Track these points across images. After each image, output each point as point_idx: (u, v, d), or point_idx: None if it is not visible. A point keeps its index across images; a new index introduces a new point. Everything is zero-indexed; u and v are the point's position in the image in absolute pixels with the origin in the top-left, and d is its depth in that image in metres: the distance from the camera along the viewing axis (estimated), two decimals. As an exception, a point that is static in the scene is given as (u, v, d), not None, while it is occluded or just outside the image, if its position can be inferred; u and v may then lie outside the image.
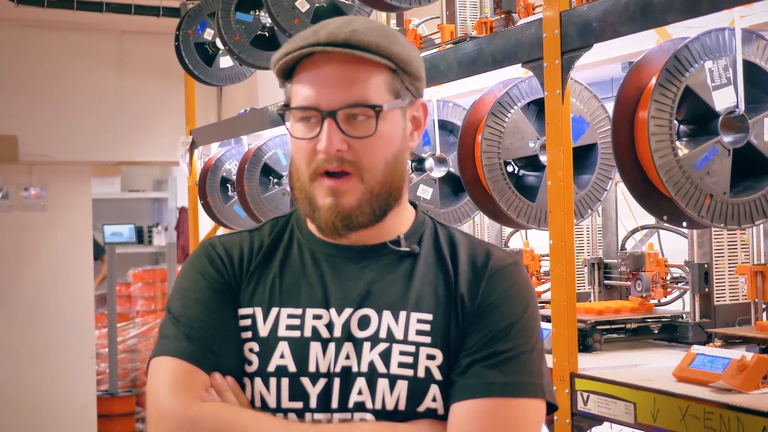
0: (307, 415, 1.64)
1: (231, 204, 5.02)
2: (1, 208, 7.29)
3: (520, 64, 2.68)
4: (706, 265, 2.77)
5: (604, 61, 3.03)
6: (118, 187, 11.48)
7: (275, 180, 4.61)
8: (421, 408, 1.64)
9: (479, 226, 3.91)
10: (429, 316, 1.67)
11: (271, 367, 1.66)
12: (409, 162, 3.44)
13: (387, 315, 1.67)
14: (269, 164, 4.59)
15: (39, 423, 7.27)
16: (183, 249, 9.94)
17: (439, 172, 3.46)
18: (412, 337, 1.65)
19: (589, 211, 3.02)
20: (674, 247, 3.19)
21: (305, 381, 1.65)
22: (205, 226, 5.74)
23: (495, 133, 2.96)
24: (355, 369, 1.64)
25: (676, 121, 2.34)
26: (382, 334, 1.65)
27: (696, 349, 2.30)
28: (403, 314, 1.66)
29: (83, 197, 7.55)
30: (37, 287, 7.35)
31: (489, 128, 2.96)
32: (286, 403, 1.65)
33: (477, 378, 1.62)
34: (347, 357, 1.65)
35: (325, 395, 1.64)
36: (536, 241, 3.84)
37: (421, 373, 1.64)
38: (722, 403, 2.02)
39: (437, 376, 1.64)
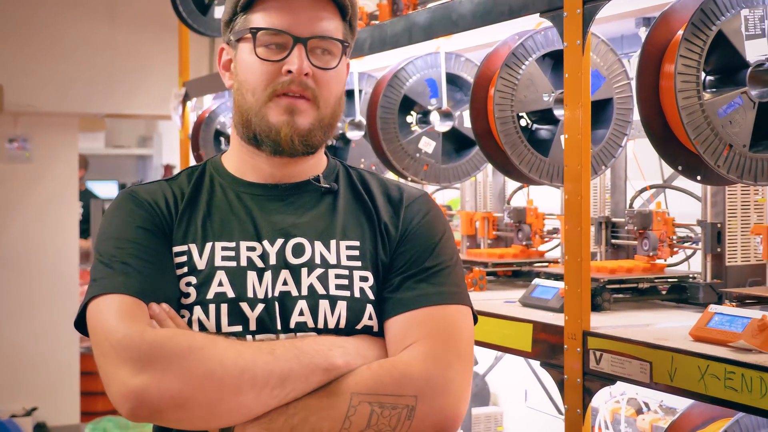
0: (248, 338, 1.72)
1: (224, 157, 4.94)
2: (-15, 160, 7.19)
3: (539, 14, 2.62)
4: (719, 225, 2.74)
5: (619, 16, 2.98)
6: (102, 142, 11.38)
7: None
8: (359, 326, 1.76)
9: (481, 184, 3.87)
10: (357, 243, 1.81)
11: (210, 295, 1.74)
12: (412, 113, 3.44)
13: (318, 244, 1.79)
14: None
15: (22, 379, 7.20)
16: (168, 207, 9.82)
17: (443, 127, 3.42)
18: (345, 262, 1.79)
19: (603, 167, 2.99)
20: (680, 209, 3.16)
21: (244, 306, 1.74)
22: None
23: (509, 85, 2.92)
24: (294, 293, 1.75)
25: (703, 72, 2.30)
26: (317, 260, 1.78)
27: (714, 308, 2.28)
28: (333, 242, 1.80)
29: (70, 150, 7.41)
30: (21, 242, 7.24)
31: (502, 80, 2.91)
32: (225, 328, 1.73)
33: (410, 291, 1.76)
34: (284, 283, 1.76)
35: (263, 319, 1.73)
36: (539, 200, 3.82)
37: (357, 294, 1.77)
38: (744, 363, 2.00)
39: (370, 296, 1.78)
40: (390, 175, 3.46)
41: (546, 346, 2.55)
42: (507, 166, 3.01)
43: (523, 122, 2.99)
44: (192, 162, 5.22)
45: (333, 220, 1.83)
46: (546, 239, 3.53)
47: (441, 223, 1.86)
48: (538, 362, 2.64)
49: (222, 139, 4.99)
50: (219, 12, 4.91)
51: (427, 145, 3.39)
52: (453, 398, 1.69)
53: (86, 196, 9.09)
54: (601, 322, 2.56)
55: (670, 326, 2.49)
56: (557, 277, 2.89)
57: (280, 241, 1.78)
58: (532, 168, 2.94)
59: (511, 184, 3.77)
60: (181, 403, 1.61)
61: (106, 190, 10.92)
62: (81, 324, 1.75)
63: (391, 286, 1.78)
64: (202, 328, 1.72)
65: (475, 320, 1.83)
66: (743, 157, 2.31)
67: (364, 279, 1.78)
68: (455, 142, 3.48)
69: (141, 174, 11.77)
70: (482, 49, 3.13)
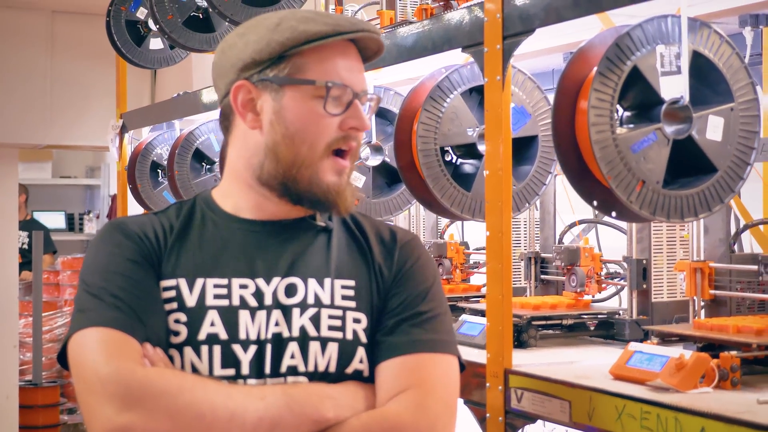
0: (240, 382, 1.68)
1: (160, 189, 4.93)
2: None
3: (460, 49, 2.62)
4: (644, 261, 2.74)
5: (546, 51, 3.00)
6: (49, 173, 11.28)
7: (207, 165, 4.53)
8: (350, 369, 1.72)
9: (414, 218, 3.86)
10: (352, 282, 1.77)
11: (201, 336, 1.70)
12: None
13: (312, 282, 1.75)
14: (201, 149, 4.50)
15: (-42, 413, 7.11)
16: (114, 237, 9.77)
17: (374, 161, 3.41)
18: (339, 302, 1.75)
19: (527, 204, 2.99)
20: (612, 244, 3.17)
21: (236, 348, 1.70)
22: (133, 211, 5.62)
23: (433, 118, 2.92)
24: (286, 334, 1.71)
25: (620, 107, 2.31)
26: (310, 300, 1.73)
27: (633, 346, 2.27)
28: (327, 281, 1.76)
29: (9, 181, 7.34)
30: (-41, 272, 7.15)
31: (427, 112, 2.91)
32: (218, 371, 1.69)
33: (404, 336, 1.73)
34: (277, 324, 1.71)
35: (256, 361, 1.70)
36: (471, 234, 3.81)
37: (349, 336, 1.73)
38: (660, 403, 1.99)
39: (363, 338, 1.74)
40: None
41: (469, 384, 2.52)
42: (429, 199, 3.00)
43: (448, 157, 2.99)
44: (129, 194, 5.18)
45: (328, 258, 1.78)
46: (464, 273, 3.53)
47: (432, 267, 1.84)
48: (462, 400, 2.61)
49: (159, 171, 4.95)
50: (154, 44, 4.90)
51: (358, 180, 3.37)
52: None
53: (31, 225, 9.00)
54: (525, 359, 2.55)
55: (593, 363, 2.48)
56: (480, 312, 2.88)
57: (276, 280, 1.74)
58: (454, 202, 2.93)
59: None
60: None
61: (53, 220, 10.81)
62: (64, 355, 1.70)
63: (385, 328, 1.75)
64: (194, 370, 1.69)
65: (463, 369, 1.80)
66: (656, 194, 2.31)
67: (357, 321, 1.74)
68: (386, 176, 3.47)
69: (89, 204, 11.67)
70: (412, 82, 3.12)
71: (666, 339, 2.46)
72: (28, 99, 6.89)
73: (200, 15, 4.29)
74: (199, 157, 4.51)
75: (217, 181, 4.45)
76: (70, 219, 11.28)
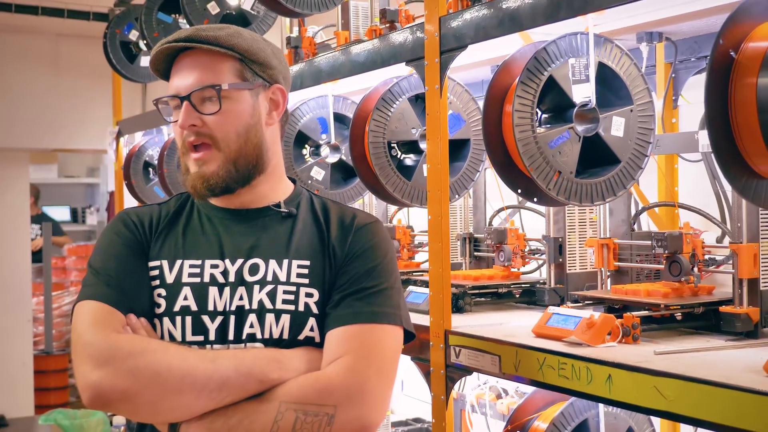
0: (207, 347, 1.71)
1: (151, 185, 4.88)
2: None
3: (405, 63, 2.62)
4: (560, 239, 2.75)
5: (477, 64, 2.99)
6: (56, 173, 11.17)
7: (191, 165, 4.45)
8: (301, 336, 1.73)
9: (367, 207, 3.85)
10: (307, 262, 1.76)
11: (176, 308, 1.73)
12: (306, 146, 3.41)
13: (272, 263, 1.76)
14: (186, 151, 4.43)
15: (-20, 379, 7.09)
16: (113, 227, 9.70)
17: (332, 158, 3.39)
18: (294, 279, 1.75)
19: (457, 196, 3.00)
20: (534, 225, 3.18)
21: (205, 318, 1.72)
22: (128, 204, 5.57)
23: (383, 117, 2.92)
24: (247, 307, 1.73)
25: (539, 110, 2.31)
26: (269, 278, 1.75)
27: (552, 309, 2.28)
28: (285, 261, 1.76)
29: (21, 181, 7.36)
30: (-19, 262, 7.12)
31: (378, 111, 2.92)
32: (189, 337, 1.72)
33: (347, 309, 1.72)
34: (240, 298, 1.73)
35: (222, 330, 1.72)
36: (415, 219, 3.81)
37: (301, 308, 1.73)
38: (574, 355, 2.01)
39: (314, 310, 1.74)
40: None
41: (415, 344, 2.53)
42: (377, 186, 2.99)
43: (393, 152, 2.98)
44: (125, 190, 5.13)
45: (289, 241, 1.79)
46: (413, 251, 3.53)
47: (384, 248, 1.80)
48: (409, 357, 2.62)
49: (150, 169, 4.90)
50: (144, 61, 4.85)
51: (318, 174, 3.36)
52: (369, 409, 1.66)
53: (42, 219, 8.95)
54: (462, 322, 2.56)
55: (518, 325, 2.49)
56: (427, 284, 2.88)
57: (239, 261, 1.76)
58: (396, 189, 2.93)
59: (392, 206, 3.75)
60: (129, 398, 1.60)
61: (60, 213, 10.72)
62: None
63: (332, 302, 1.74)
64: (171, 337, 1.72)
65: (412, 337, 1.79)
66: (570, 182, 2.31)
67: (309, 295, 1.74)
68: (342, 172, 3.46)
69: (90, 199, 11.58)
70: (364, 92, 3.11)
71: (594, 303, 2.40)
72: (36, 110, 6.89)
73: (182, 36, 4.25)
74: (185, 157, 4.45)
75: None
76: (74, 212, 11.21)
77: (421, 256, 3.62)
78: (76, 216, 11.19)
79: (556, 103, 2.32)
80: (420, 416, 3.96)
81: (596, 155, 2.35)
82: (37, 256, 8.04)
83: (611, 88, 2.36)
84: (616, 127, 2.31)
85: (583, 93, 2.28)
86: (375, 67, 2.76)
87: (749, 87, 1.75)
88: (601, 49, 2.33)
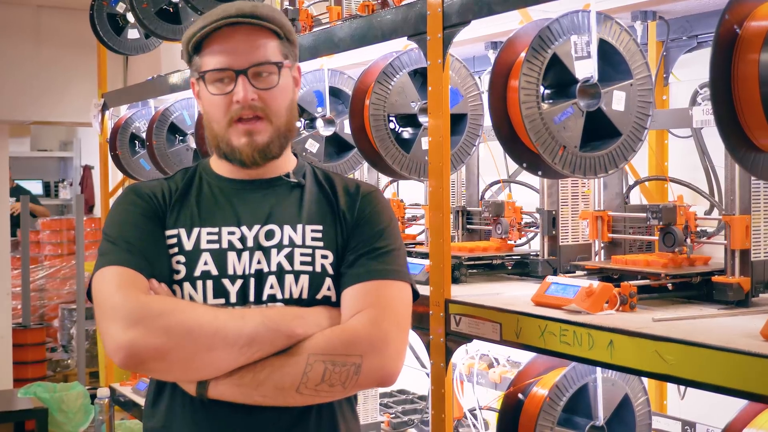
0: (229, 308, 1.76)
1: (138, 158, 4.87)
2: None
3: (407, 37, 2.64)
4: (553, 212, 2.80)
5: (471, 40, 3.03)
6: (28, 146, 11.04)
7: (180, 137, 4.47)
8: (319, 295, 1.80)
9: (359, 178, 3.88)
10: (320, 227, 1.85)
11: (197, 272, 1.79)
12: (301, 119, 3.44)
13: (287, 228, 1.84)
14: (176, 123, 4.44)
15: (-42, 353, 7.01)
16: (87, 202, 9.65)
17: (327, 132, 3.42)
18: (309, 242, 1.83)
19: (453, 169, 3.03)
20: (524, 199, 3.24)
21: (226, 282, 1.79)
22: (113, 178, 5.57)
23: (384, 89, 2.95)
24: (266, 270, 1.80)
25: (542, 87, 2.35)
26: (285, 242, 1.82)
27: (551, 278, 2.33)
28: (299, 226, 1.84)
29: (0, 154, 7.23)
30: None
31: (380, 84, 2.95)
32: (210, 300, 1.78)
33: (362, 267, 1.80)
34: (258, 262, 1.80)
35: (243, 292, 1.78)
36: (405, 193, 3.85)
37: (318, 269, 1.81)
38: (575, 322, 2.06)
39: (330, 270, 1.82)
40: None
41: (415, 313, 2.57)
42: (375, 158, 3.02)
43: (392, 126, 3.01)
44: (110, 162, 5.12)
45: (300, 208, 1.86)
46: (406, 224, 3.58)
47: (389, 213, 1.90)
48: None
49: (136, 142, 4.89)
50: (131, 34, 4.83)
51: (312, 146, 3.40)
52: (391, 357, 1.74)
53: (17, 191, 8.89)
54: (459, 291, 2.61)
55: (516, 294, 2.54)
56: (423, 255, 2.93)
57: (256, 227, 1.83)
58: (395, 161, 2.97)
59: (384, 179, 3.79)
60: (163, 355, 1.65)
61: (32, 187, 10.63)
62: (90, 291, 1.79)
63: (347, 262, 1.82)
64: (192, 300, 1.77)
65: (417, 296, 1.88)
66: (575, 156, 2.37)
67: (324, 257, 1.82)
68: (336, 146, 3.49)
69: (63, 173, 11.45)
70: (361, 66, 3.14)
71: (600, 273, 2.43)
72: (17, 82, 6.80)
73: (170, 9, 4.25)
74: (174, 129, 4.45)
75: (188, 150, 4.43)
76: (46, 186, 11.10)
77: (413, 230, 3.67)
78: (48, 190, 11.08)
79: (559, 79, 2.37)
80: (404, 388, 4.02)
81: (599, 129, 2.40)
82: (12, 230, 7.97)
83: (611, 63, 2.41)
84: (617, 101, 2.37)
85: (586, 69, 2.33)
86: (376, 41, 2.78)
87: (752, 63, 1.82)
88: (601, 25, 2.38)
